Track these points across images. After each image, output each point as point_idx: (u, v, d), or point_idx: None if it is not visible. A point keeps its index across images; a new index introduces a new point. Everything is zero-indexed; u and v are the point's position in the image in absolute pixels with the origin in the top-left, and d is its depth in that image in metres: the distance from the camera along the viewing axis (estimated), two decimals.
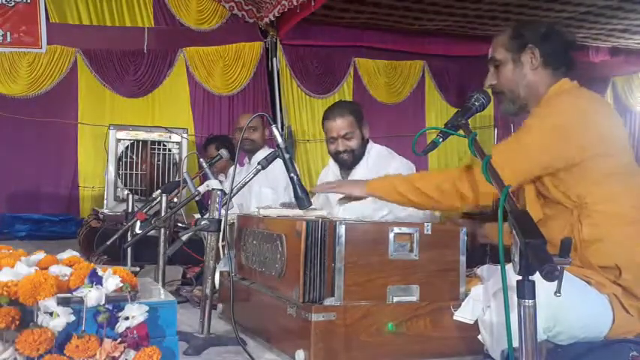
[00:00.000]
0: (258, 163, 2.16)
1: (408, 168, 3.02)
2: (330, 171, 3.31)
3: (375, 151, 3.13)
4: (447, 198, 1.88)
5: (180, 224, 3.24)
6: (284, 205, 2.81)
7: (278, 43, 6.48)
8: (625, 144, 1.83)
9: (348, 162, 3.06)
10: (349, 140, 3.03)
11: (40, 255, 1.44)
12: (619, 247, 1.67)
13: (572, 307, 1.50)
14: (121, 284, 1.32)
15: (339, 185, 2.29)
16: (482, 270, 1.84)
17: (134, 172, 4.67)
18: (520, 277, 1.15)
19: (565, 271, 1.59)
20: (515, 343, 1.16)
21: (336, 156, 3.08)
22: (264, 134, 4.11)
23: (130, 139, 4.70)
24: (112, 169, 4.63)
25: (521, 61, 1.91)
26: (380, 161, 3.06)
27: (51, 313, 1.24)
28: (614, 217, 1.69)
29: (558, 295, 1.17)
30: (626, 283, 1.64)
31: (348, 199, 2.19)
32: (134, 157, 4.68)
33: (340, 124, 3.01)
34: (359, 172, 3.07)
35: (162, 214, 2.58)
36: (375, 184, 2.09)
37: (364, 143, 3.09)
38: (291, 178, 2.11)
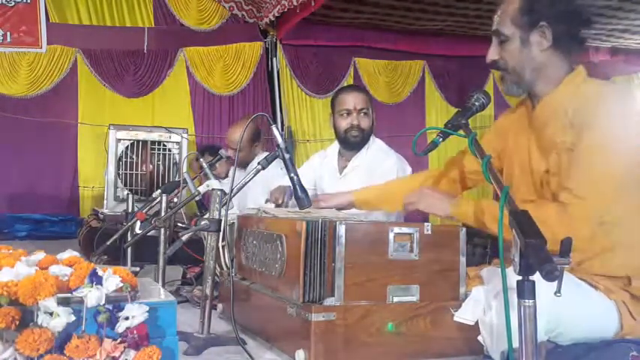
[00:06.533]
0: (259, 163, 2.16)
1: (400, 167, 3.04)
2: (328, 159, 3.28)
3: (376, 143, 3.17)
4: None
5: (180, 224, 3.23)
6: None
7: (278, 43, 6.49)
8: None
9: (355, 142, 3.07)
10: (364, 117, 3.05)
11: (40, 255, 1.43)
12: (629, 256, 1.65)
13: (574, 309, 1.50)
14: (121, 284, 1.32)
15: (422, 199, 1.99)
16: (483, 271, 1.84)
17: (134, 172, 4.66)
18: (520, 277, 1.15)
19: (572, 276, 1.60)
20: (515, 344, 1.16)
21: (345, 133, 3.07)
22: (252, 149, 4.04)
23: (130, 139, 4.69)
24: (112, 169, 4.61)
25: (529, 41, 1.71)
26: (378, 154, 3.10)
27: (51, 313, 1.23)
28: (623, 226, 1.66)
29: (558, 295, 1.17)
30: (636, 291, 1.63)
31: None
32: (134, 157, 4.67)
33: (358, 98, 3.06)
34: (358, 160, 3.11)
35: (163, 214, 2.58)
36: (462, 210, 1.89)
37: (371, 130, 3.12)
38: (291, 178, 2.11)
